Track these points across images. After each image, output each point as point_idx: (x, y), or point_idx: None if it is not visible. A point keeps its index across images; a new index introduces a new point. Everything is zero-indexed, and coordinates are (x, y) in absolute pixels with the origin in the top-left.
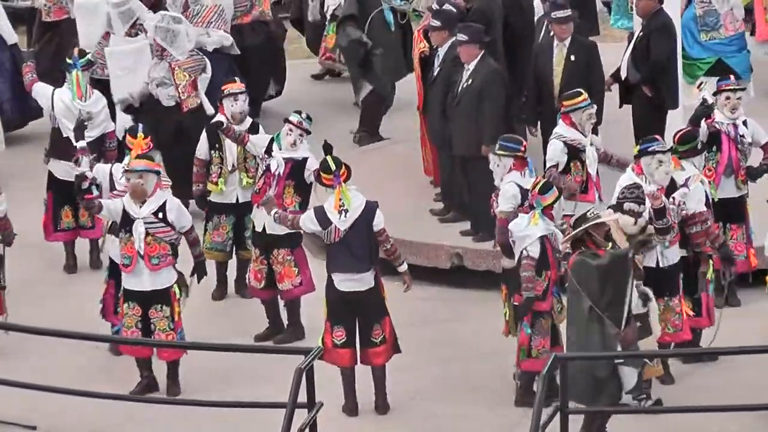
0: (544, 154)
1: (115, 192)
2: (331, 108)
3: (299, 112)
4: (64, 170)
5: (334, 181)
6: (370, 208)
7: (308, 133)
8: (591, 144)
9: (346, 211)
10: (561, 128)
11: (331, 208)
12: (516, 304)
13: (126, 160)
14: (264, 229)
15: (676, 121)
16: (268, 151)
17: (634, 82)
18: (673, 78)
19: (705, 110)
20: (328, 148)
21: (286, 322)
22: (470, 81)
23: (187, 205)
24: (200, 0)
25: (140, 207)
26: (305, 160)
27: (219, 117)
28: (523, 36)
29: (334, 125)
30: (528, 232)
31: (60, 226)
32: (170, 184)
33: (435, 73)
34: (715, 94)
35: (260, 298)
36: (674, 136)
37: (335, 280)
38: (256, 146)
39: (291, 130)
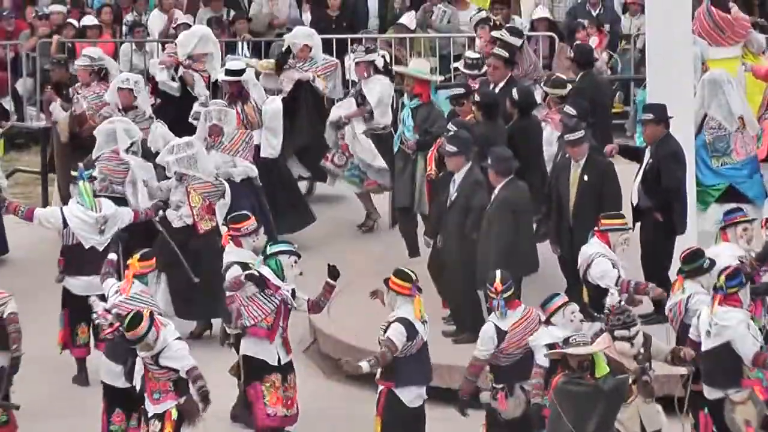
0: (563, 270)
1: (102, 311)
2: (331, 229)
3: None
4: (81, 286)
5: (412, 290)
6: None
7: None
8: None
9: (426, 322)
10: (599, 247)
11: (413, 318)
12: None
13: (120, 284)
14: (279, 359)
15: (687, 245)
16: (261, 285)
17: (645, 208)
18: (683, 202)
19: None
20: (334, 271)
21: None
22: (490, 206)
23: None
24: (231, 124)
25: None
26: (294, 290)
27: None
28: (528, 162)
29: (334, 249)
30: (535, 342)
31: (76, 342)
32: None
33: (453, 198)
34: (726, 227)
35: (283, 426)
36: (681, 255)
37: (408, 397)
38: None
39: (296, 262)
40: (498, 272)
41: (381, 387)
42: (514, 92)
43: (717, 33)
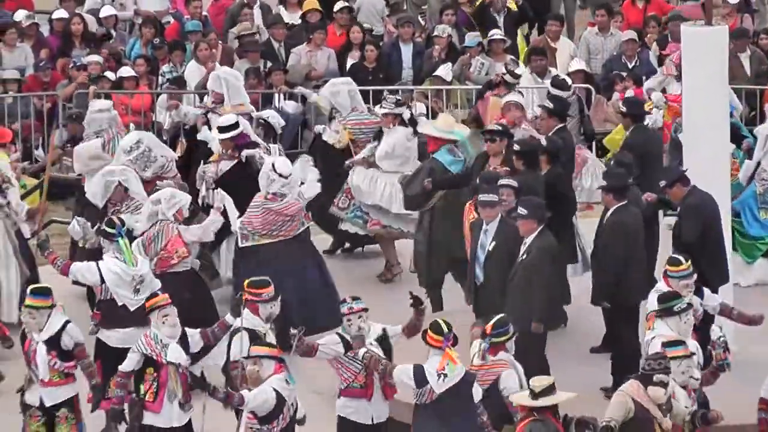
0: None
1: None
2: (354, 282)
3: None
4: (117, 339)
5: (443, 343)
6: (468, 379)
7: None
8: None
9: (446, 375)
10: (661, 285)
11: (431, 369)
12: None
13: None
14: (372, 418)
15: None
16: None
17: None
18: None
19: None
20: (417, 301)
21: None
22: (525, 256)
23: None
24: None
25: None
26: (384, 329)
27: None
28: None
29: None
30: None
31: (107, 394)
32: None
33: (490, 249)
34: None
35: None
36: (658, 296)
37: None
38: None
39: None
40: (499, 316)
41: None
42: (543, 141)
43: None
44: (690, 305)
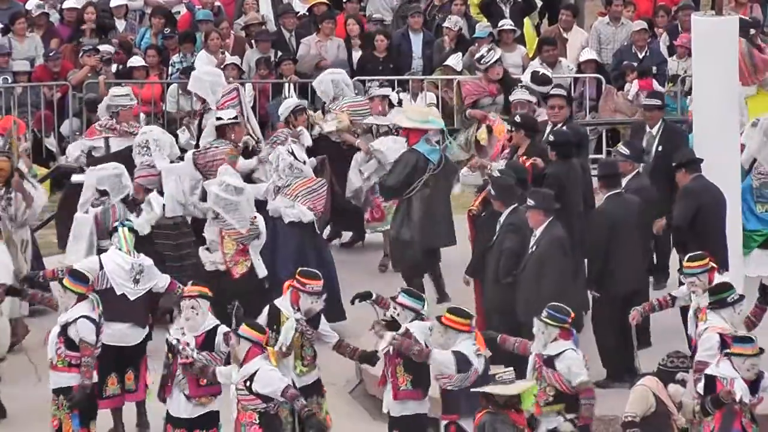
0: None
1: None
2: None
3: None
4: (112, 335)
5: (470, 326)
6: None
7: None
8: None
9: (481, 355)
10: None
11: (470, 353)
12: None
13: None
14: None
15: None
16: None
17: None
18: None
19: None
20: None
21: None
22: (534, 247)
23: None
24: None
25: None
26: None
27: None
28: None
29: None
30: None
31: (105, 393)
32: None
33: (493, 240)
34: None
35: None
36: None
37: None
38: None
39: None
40: (560, 305)
41: (445, 421)
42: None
43: (749, 73)
44: (742, 296)
